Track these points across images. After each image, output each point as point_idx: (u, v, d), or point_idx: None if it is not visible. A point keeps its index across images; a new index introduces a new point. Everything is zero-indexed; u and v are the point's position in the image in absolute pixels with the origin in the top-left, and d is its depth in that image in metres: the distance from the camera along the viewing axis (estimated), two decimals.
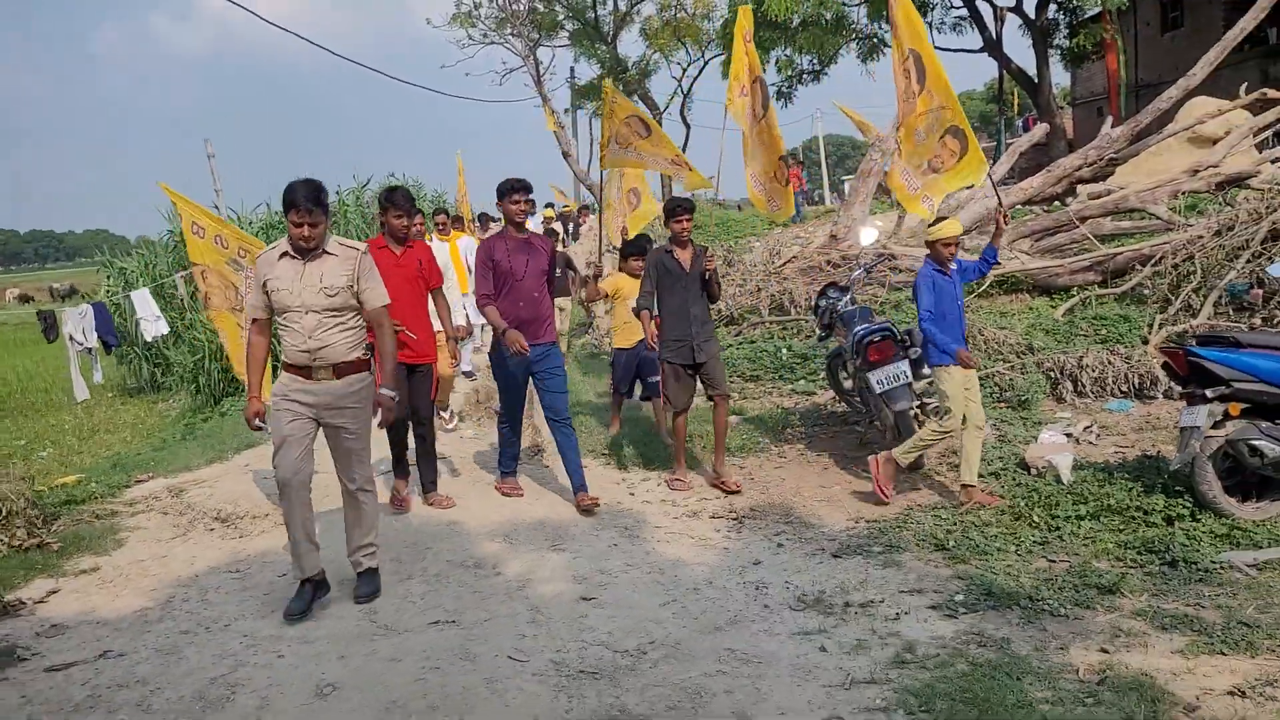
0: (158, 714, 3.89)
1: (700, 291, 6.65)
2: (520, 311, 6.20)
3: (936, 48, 25.07)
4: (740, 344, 10.40)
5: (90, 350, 9.77)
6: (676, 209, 6.57)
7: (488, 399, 9.97)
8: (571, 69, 37.12)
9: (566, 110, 36.84)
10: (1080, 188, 14.20)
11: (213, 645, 4.50)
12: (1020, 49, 24.77)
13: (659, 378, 7.07)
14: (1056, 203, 14.38)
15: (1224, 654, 3.87)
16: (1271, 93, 13.29)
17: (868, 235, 8.50)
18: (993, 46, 24.58)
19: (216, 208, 14.93)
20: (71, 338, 9.57)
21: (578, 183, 30.15)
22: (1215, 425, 5.13)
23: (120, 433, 12.44)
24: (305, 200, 4.55)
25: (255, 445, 8.56)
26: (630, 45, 41.72)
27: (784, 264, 12.22)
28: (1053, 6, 23.93)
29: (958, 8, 24.62)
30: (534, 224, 14.79)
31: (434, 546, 5.77)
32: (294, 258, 4.66)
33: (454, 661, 4.21)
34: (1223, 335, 5.48)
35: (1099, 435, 7.01)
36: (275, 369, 5.24)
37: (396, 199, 6.26)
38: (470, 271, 9.23)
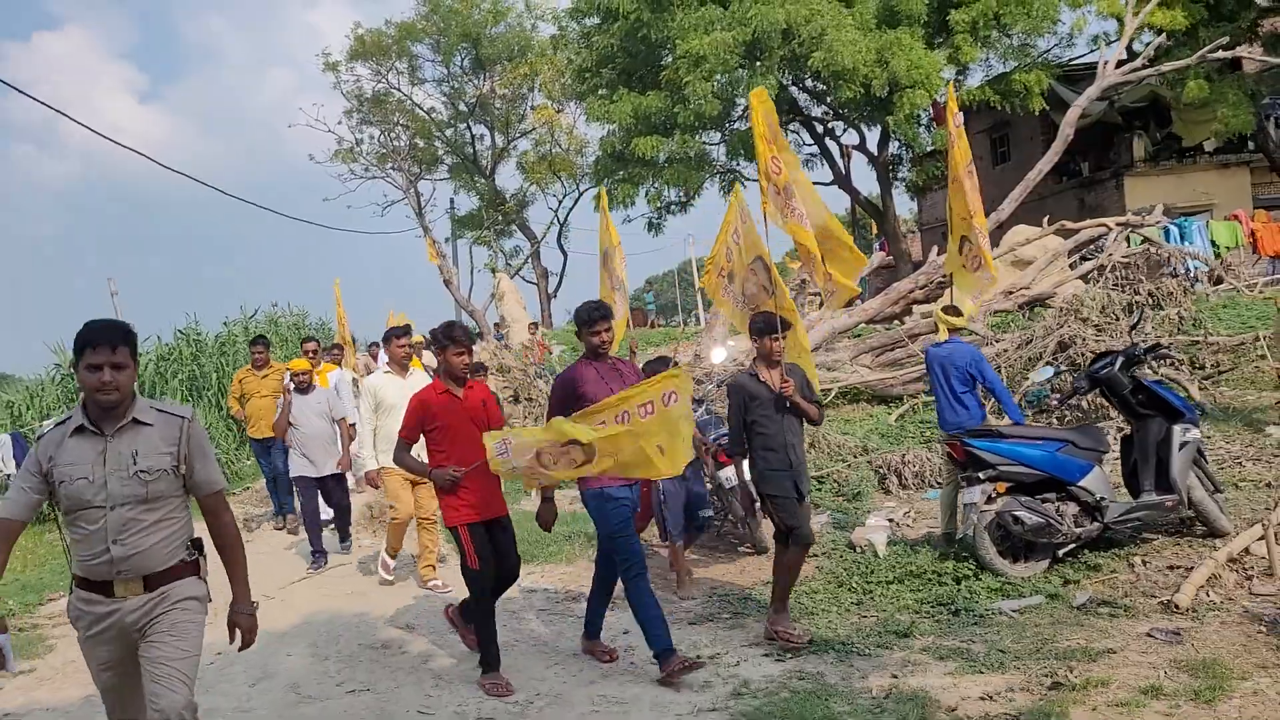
0: None
1: (798, 417, 5.84)
2: None
3: None
4: None
5: (9, 476, 10.28)
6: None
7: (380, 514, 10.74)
8: (451, 200, 38.61)
9: (447, 239, 38.19)
10: (915, 307, 15.96)
11: None
12: (869, 181, 27.11)
13: (710, 512, 7.19)
14: (896, 322, 16.06)
15: (982, 673, 5.01)
16: (1068, 224, 15.33)
17: (718, 354, 9.79)
18: (842, 180, 26.91)
19: None
20: None
21: (458, 308, 31.23)
22: (988, 501, 6.40)
23: (12, 563, 12.62)
24: (106, 336, 3.37)
25: None
26: (508, 178, 43.67)
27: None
28: (894, 144, 26.39)
29: (809, 145, 26.94)
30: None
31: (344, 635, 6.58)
32: (93, 432, 3.41)
33: (370, 718, 5.04)
34: (990, 429, 6.81)
35: (915, 519, 8.27)
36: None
37: (456, 334, 5.60)
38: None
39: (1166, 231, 18.25)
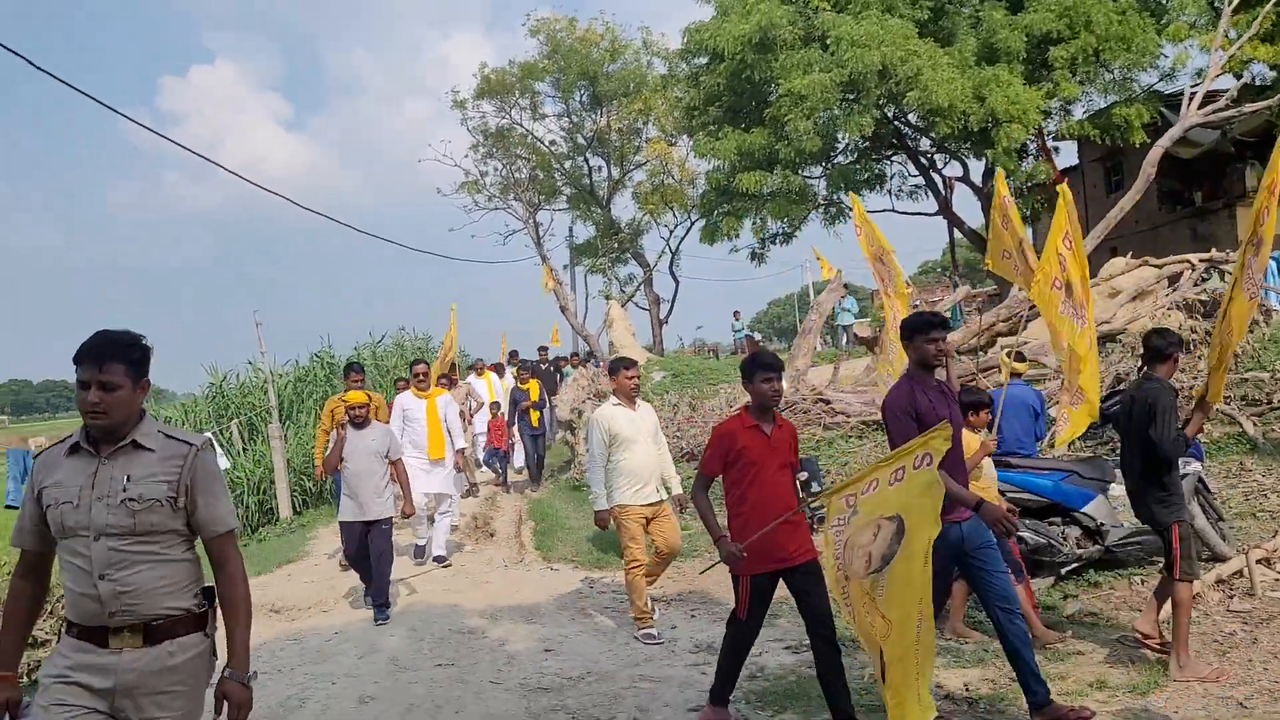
0: (254, 716, 5.84)
1: None
2: (959, 475, 4.93)
3: (895, 211, 27.93)
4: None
5: None
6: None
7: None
8: (570, 229, 40.17)
9: (565, 267, 39.79)
10: (1000, 339, 16.49)
11: (285, 680, 6.44)
12: (977, 211, 27.55)
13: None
14: (979, 352, 16.61)
15: (964, 667, 5.83)
16: (1151, 260, 15.64)
17: None
18: (945, 210, 27.35)
19: (254, 366, 17.12)
20: None
21: (574, 334, 32.60)
22: None
23: None
24: (94, 353, 3.05)
25: (293, 560, 10.59)
26: (623, 208, 45.30)
27: (741, 408, 14.36)
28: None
29: (914, 176, 27.48)
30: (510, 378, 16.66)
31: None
32: (89, 453, 3.10)
33: (452, 684, 6.17)
34: (1002, 460, 7.55)
35: None
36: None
37: (766, 359, 5.24)
38: (449, 434, 9.78)
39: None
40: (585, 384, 15.08)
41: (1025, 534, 6.98)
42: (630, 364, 7.42)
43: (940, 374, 5.04)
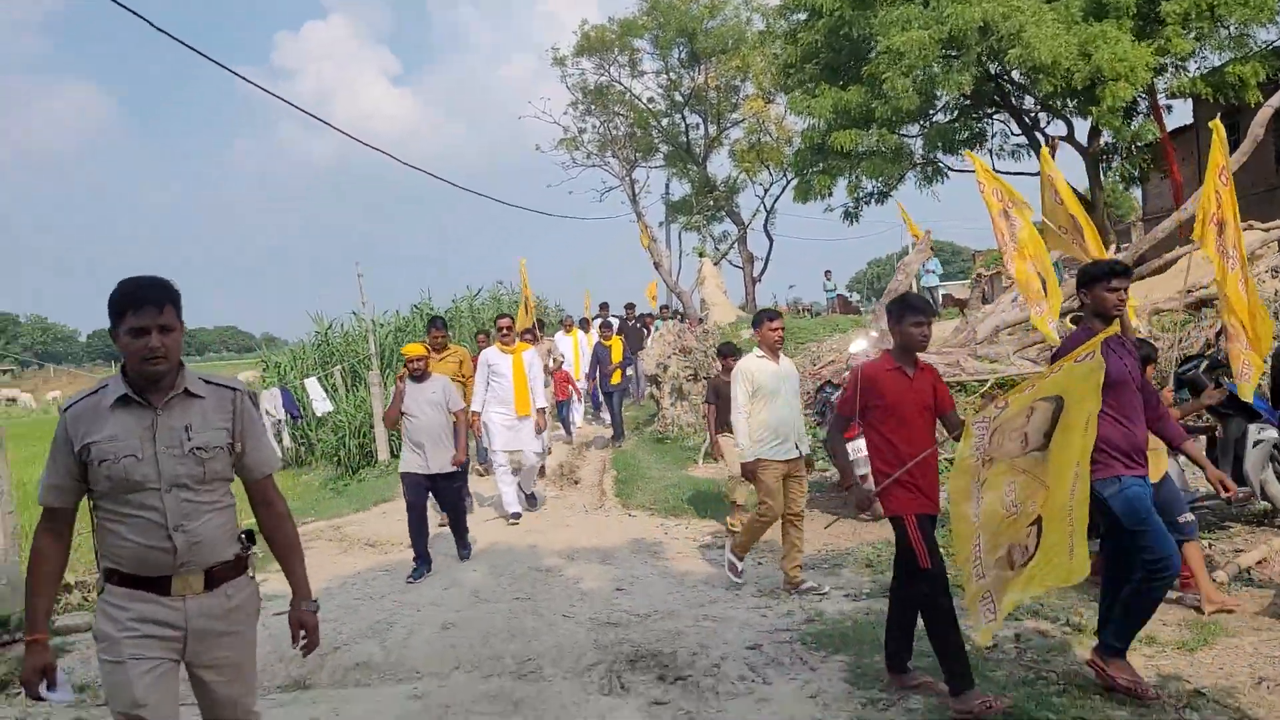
0: (346, 634, 6.36)
1: None
2: (1137, 435, 4.78)
3: (998, 172, 27.36)
4: None
5: (279, 421, 12.75)
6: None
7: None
8: (666, 185, 40.34)
9: (661, 224, 40.04)
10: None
11: (375, 606, 6.96)
12: (1082, 171, 26.85)
13: (1191, 516, 6.14)
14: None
15: (1019, 620, 6.01)
16: (1256, 224, 15.19)
17: (857, 345, 10.80)
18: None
19: (358, 317, 17.84)
20: (267, 412, 12.59)
21: (668, 291, 32.87)
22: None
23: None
24: (152, 295, 3.00)
25: (388, 499, 11.19)
26: (719, 165, 45.09)
27: (821, 367, 14.52)
28: (1107, 135, 25.97)
29: (1016, 135, 26.89)
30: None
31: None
32: (139, 404, 3.05)
33: (528, 616, 6.59)
34: None
35: None
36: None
37: (914, 302, 5.13)
38: (534, 391, 9.62)
39: None
40: (671, 339, 15.36)
41: None
42: (775, 315, 7.26)
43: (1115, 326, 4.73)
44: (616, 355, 14.81)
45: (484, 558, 8.26)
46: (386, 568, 8.15)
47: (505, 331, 9.82)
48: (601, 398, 15.76)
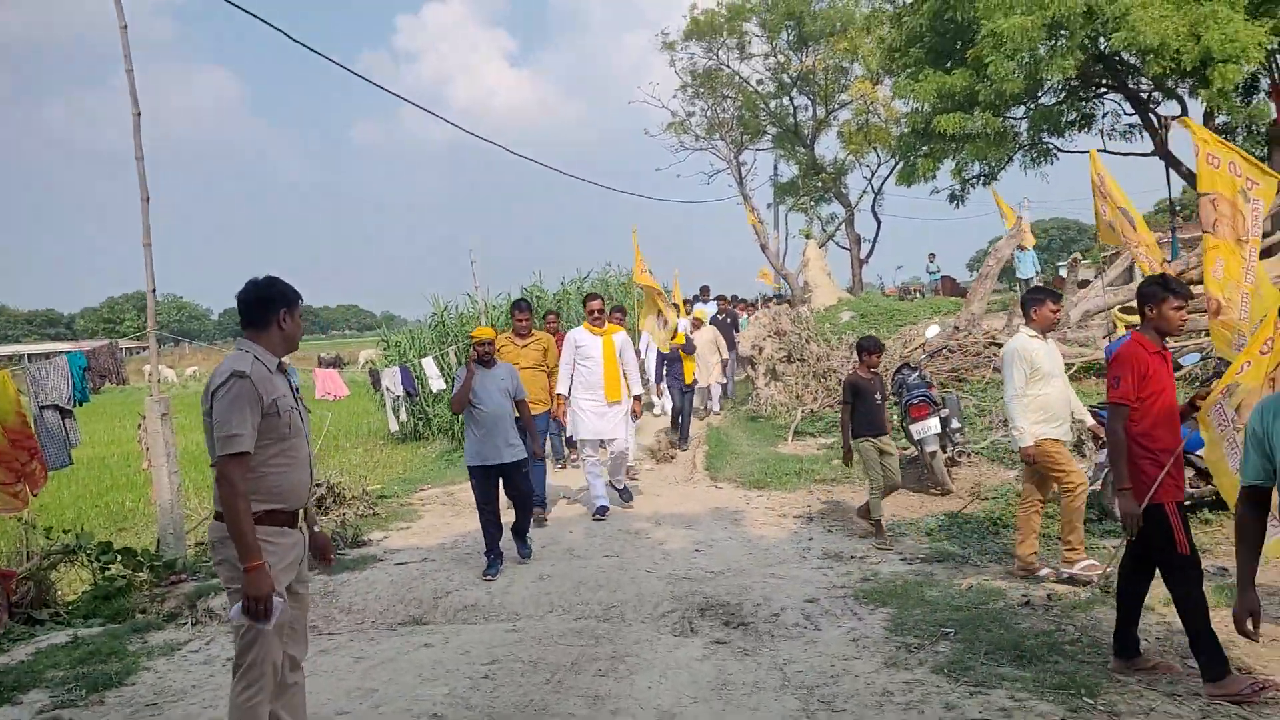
0: (454, 580, 7.31)
1: None
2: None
3: (1106, 152, 27.07)
4: None
5: (398, 397, 13.93)
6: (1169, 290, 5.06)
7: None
8: (775, 166, 40.67)
9: (769, 206, 40.46)
10: (1193, 287, 16.28)
11: (482, 559, 7.90)
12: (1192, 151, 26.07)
13: None
14: None
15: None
16: None
17: (932, 330, 11.31)
18: (1162, 150, 26.31)
19: (472, 299, 18.95)
20: (388, 389, 13.76)
21: (776, 273, 33.34)
22: None
23: (395, 467, 16.50)
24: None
25: None
26: (826, 147, 45.08)
27: (913, 349, 15.01)
28: (1223, 114, 25.45)
29: (1129, 115, 26.54)
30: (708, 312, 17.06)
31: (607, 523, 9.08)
32: (280, 372, 3.93)
33: (615, 570, 7.45)
34: None
35: None
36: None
37: (1173, 284, 5.03)
38: (626, 376, 9.22)
39: None
40: (767, 322, 16.02)
41: None
42: (1056, 297, 7.05)
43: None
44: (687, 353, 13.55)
45: (579, 522, 9.14)
46: None
47: (596, 314, 9.21)
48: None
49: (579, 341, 9.20)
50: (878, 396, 8.24)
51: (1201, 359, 10.36)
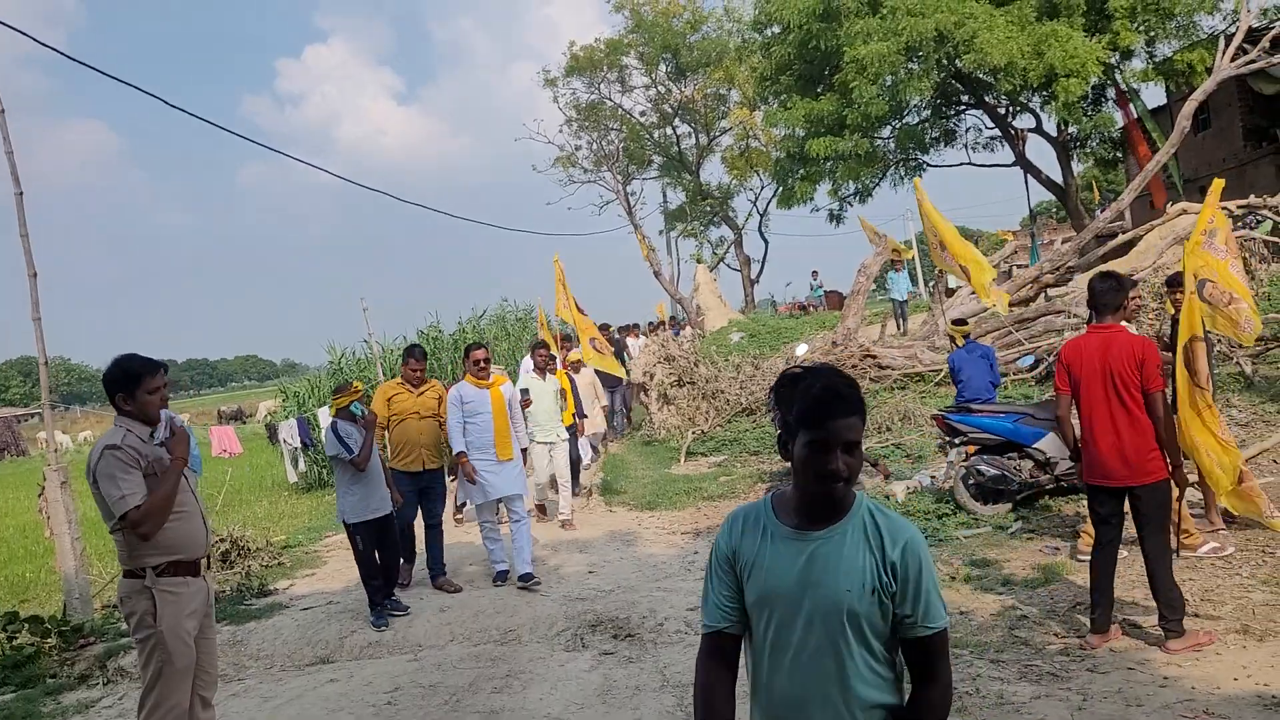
0: (358, 620, 7.68)
1: None
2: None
3: (971, 164, 28.51)
4: (754, 428, 14.04)
5: (295, 449, 14.13)
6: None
7: None
8: (664, 193, 41.63)
9: (660, 233, 41.37)
10: (1051, 290, 17.43)
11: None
12: (1052, 159, 27.88)
13: None
14: (1029, 303, 17.57)
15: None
16: (1188, 206, 16.29)
17: (801, 349, 12.07)
18: (1022, 160, 27.89)
19: (368, 346, 19.18)
20: (285, 440, 13.96)
21: (671, 299, 34.13)
22: (963, 460, 8.52)
23: (300, 517, 16.61)
24: (156, 366, 4.52)
25: None
26: (711, 173, 46.11)
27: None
28: (1073, 127, 27.09)
29: (990, 128, 28.08)
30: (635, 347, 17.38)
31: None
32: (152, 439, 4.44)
33: (512, 597, 7.90)
34: (965, 406, 8.85)
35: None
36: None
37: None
38: (515, 428, 8.51)
39: None
40: (656, 349, 16.62)
41: (982, 466, 8.34)
42: (1134, 284, 7.21)
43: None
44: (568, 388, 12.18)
45: (478, 555, 9.55)
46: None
47: (481, 366, 8.43)
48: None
49: (466, 397, 8.35)
50: None
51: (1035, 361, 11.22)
